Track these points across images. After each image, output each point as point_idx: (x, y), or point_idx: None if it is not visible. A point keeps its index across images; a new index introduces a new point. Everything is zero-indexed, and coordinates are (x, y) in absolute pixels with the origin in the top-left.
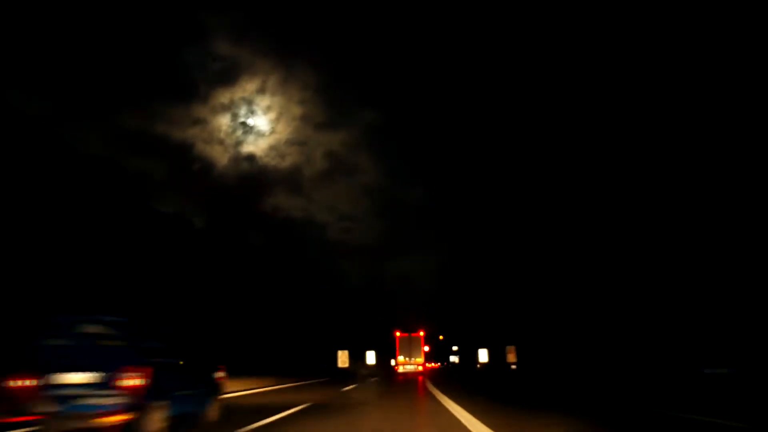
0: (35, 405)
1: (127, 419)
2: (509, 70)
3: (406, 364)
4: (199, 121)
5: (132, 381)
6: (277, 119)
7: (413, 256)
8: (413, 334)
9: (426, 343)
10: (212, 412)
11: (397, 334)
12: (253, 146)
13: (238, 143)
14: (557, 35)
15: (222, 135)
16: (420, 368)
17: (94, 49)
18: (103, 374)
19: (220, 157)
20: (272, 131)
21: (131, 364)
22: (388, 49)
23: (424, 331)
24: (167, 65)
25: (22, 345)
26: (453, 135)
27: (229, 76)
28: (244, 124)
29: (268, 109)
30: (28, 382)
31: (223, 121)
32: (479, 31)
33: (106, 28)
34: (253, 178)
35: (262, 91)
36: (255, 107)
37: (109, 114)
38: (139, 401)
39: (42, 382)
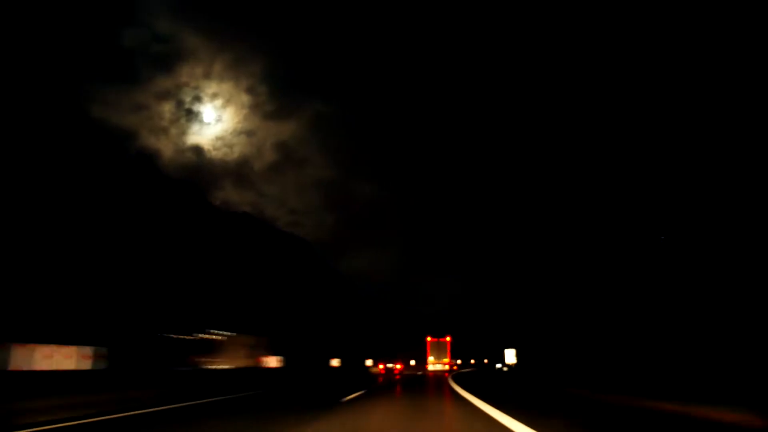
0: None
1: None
2: (462, 61)
3: (435, 363)
4: (142, 108)
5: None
6: (224, 107)
7: (367, 252)
8: (441, 339)
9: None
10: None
11: (428, 339)
12: (199, 136)
13: (184, 132)
14: (510, 23)
15: (166, 123)
16: (446, 367)
17: (30, 27)
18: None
19: (165, 148)
20: (219, 119)
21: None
22: (340, 38)
23: (450, 336)
24: (106, 46)
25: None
26: (407, 128)
27: (173, 60)
28: (189, 111)
29: (214, 96)
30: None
31: (167, 107)
32: (431, 18)
33: (42, 4)
34: (200, 170)
35: (207, 76)
36: (201, 94)
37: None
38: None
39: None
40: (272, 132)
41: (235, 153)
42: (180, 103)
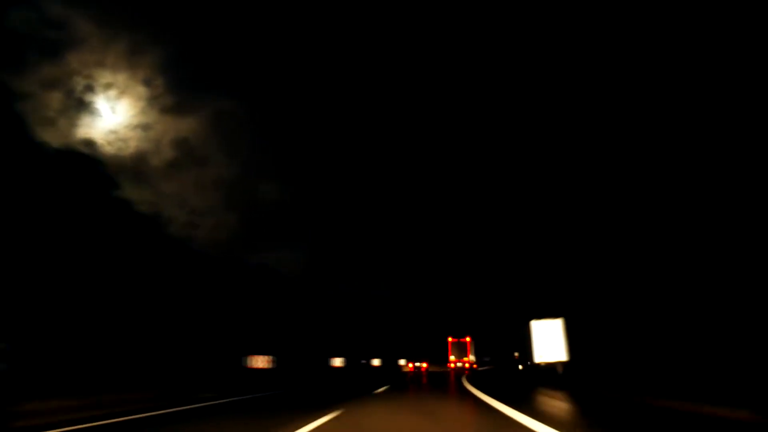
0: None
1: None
2: (369, 55)
3: (457, 362)
4: (26, 96)
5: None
6: (119, 99)
7: (273, 251)
8: (462, 339)
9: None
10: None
11: (450, 339)
12: (91, 128)
13: (74, 124)
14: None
15: (53, 113)
16: (467, 365)
17: None
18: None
19: (52, 140)
20: (113, 111)
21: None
22: (243, 30)
23: (470, 337)
24: None
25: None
26: (315, 125)
27: (62, 45)
28: (80, 101)
29: (108, 87)
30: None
31: (55, 97)
32: (340, 8)
33: None
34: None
35: (101, 65)
36: (93, 83)
37: None
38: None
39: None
40: (171, 127)
41: (131, 148)
42: (70, 93)
